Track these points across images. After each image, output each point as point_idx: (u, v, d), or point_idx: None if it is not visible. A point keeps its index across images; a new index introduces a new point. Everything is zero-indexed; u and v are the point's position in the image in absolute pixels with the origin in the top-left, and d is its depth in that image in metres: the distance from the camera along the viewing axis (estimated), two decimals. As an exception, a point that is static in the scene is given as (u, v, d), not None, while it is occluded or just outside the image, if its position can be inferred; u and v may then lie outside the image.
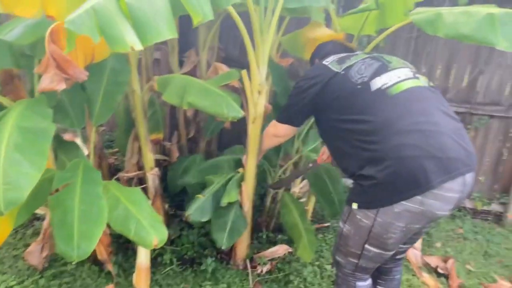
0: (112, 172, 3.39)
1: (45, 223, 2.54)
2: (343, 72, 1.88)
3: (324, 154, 2.53)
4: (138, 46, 1.15)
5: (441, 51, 3.73)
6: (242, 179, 2.65)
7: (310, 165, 2.62)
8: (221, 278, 2.74)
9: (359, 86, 1.80)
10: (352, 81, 1.83)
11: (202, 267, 2.77)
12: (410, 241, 1.99)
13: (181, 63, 3.56)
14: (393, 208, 1.68)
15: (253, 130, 2.44)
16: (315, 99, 1.96)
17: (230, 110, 2.28)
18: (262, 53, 2.27)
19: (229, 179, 2.65)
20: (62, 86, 1.57)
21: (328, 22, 2.69)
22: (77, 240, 1.81)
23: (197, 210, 2.49)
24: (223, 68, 2.72)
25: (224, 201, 2.49)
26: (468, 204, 3.99)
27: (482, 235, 3.70)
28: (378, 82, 1.79)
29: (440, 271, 3.10)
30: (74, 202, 1.89)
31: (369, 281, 2.04)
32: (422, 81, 1.86)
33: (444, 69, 3.77)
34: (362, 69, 1.87)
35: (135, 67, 2.52)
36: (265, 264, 2.88)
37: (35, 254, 2.56)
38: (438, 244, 3.50)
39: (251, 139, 2.47)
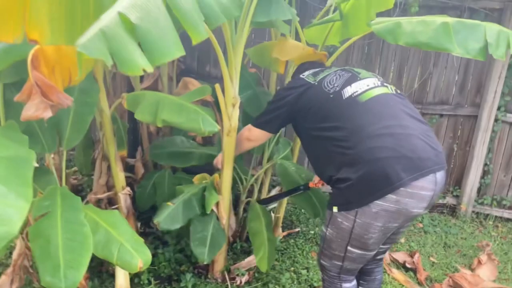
0: (75, 193, 3.26)
1: (15, 254, 2.40)
2: (317, 83, 2.05)
3: (318, 182, 2.61)
4: (149, 68, 1.14)
5: (393, 56, 3.93)
6: (214, 189, 2.65)
7: (301, 187, 2.66)
8: (202, 290, 2.73)
9: (331, 95, 1.95)
10: (325, 91, 1.99)
11: (182, 284, 2.74)
12: (390, 241, 2.09)
13: (140, 78, 3.50)
14: (371, 209, 1.77)
15: (228, 143, 2.46)
16: (292, 108, 2.11)
17: (206, 125, 2.28)
18: (235, 66, 2.30)
19: (201, 189, 2.64)
20: (48, 114, 1.51)
21: (292, 33, 2.76)
22: (64, 270, 1.73)
23: (167, 218, 2.45)
24: (194, 83, 2.72)
25: (208, 209, 2.50)
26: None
27: (440, 227, 3.93)
28: (349, 91, 1.93)
29: (407, 265, 3.26)
30: (57, 231, 1.81)
31: (354, 282, 2.11)
32: (390, 89, 2.01)
33: (397, 72, 3.97)
34: (334, 80, 2.03)
35: (102, 86, 2.45)
36: (243, 274, 2.89)
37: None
38: (402, 240, 3.67)
39: (226, 152, 2.49)
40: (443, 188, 1.90)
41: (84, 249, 1.81)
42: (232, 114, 2.39)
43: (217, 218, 2.65)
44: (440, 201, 4.21)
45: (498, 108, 3.87)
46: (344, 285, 2.07)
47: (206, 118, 2.31)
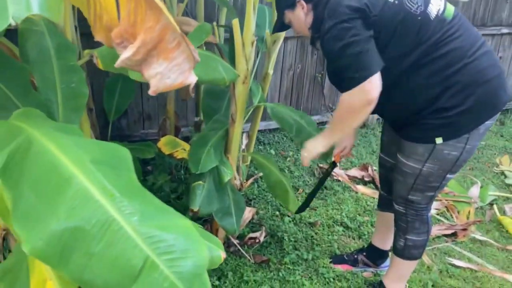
0: None
1: None
2: (398, 1, 1.65)
3: (342, 151, 2.21)
4: None
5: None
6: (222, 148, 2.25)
7: (329, 169, 2.26)
8: (224, 266, 2.38)
9: (419, 18, 1.65)
10: (410, 11, 1.65)
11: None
12: None
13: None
14: (479, 131, 1.74)
15: (242, 92, 2.07)
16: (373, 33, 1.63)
17: (228, 73, 1.86)
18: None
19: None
20: (194, 78, 0.95)
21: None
22: None
23: (203, 200, 2.04)
24: (191, 23, 2.12)
25: (226, 179, 2.11)
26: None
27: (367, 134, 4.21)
28: (433, 9, 1.68)
29: (366, 179, 3.45)
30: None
31: None
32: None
33: None
34: None
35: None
36: (247, 233, 2.63)
37: None
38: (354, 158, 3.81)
39: (239, 104, 2.10)
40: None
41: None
42: (250, 56, 1.99)
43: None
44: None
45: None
46: (429, 214, 2.01)
47: (225, 64, 1.88)
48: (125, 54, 0.96)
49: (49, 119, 1.19)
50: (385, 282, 2.17)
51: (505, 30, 4.66)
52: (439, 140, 1.75)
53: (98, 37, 1.18)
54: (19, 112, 1.17)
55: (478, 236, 2.80)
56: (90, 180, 0.95)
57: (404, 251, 2.04)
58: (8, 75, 1.38)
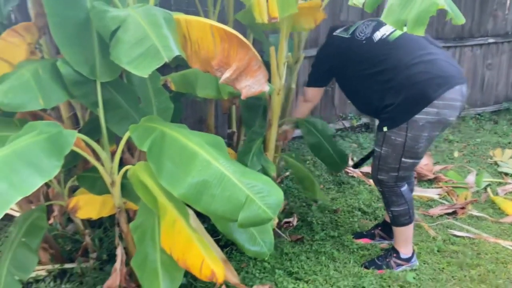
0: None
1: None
2: (350, 36, 2.49)
3: None
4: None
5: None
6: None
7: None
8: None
9: (364, 42, 2.42)
10: (358, 39, 2.44)
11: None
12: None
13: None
14: (418, 123, 2.30)
15: (277, 101, 2.67)
16: (334, 63, 2.56)
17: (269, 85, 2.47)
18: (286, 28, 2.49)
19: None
20: (267, 87, 1.57)
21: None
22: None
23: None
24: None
25: (271, 173, 2.68)
26: (347, 123, 5.02)
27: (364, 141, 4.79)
28: (378, 35, 2.42)
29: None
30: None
31: (406, 185, 2.66)
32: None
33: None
34: (363, 29, 2.50)
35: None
36: (283, 219, 3.18)
37: None
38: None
39: (275, 111, 2.70)
40: (466, 100, 2.55)
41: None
42: (282, 73, 2.60)
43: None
44: (359, 123, 5.08)
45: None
46: (402, 189, 2.59)
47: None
48: (226, 75, 1.57)
49: (165, 121, 1.81)
50: (395, 246, 2.73)
51: (491, 40, 5.27)
52: (385, 128, 2.38)
53: (194, 66, 1.79)
54: (146, 118, 1.78)
55: (475, 213, 3.34)
56: (209, 154, 1.56)
57: (395, 221, 2.63)
58: (125, 95, 2.01)
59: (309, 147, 3.10)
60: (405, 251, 2.69)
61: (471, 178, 3.84)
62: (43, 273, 2.53)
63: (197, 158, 1.54)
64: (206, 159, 1.54)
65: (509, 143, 4.72)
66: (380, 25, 2.47)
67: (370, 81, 2.42)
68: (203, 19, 1.75)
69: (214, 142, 1.66)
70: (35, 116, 2.13)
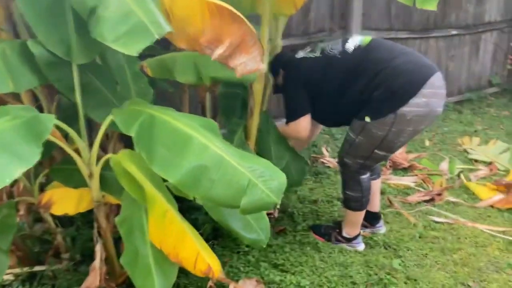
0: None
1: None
2: (321, 54, 2.44)
3: None
4: None
5: None
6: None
7: None
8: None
9: (339, 56, 2.39)
10: (332, 55, 2.40)
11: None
12: None
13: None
14: (406, 117, 2.26)
15: (258, 89, 2.58)
16: (307, 85, 2.46)
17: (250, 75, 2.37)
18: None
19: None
20: (263, 65, 1.47)
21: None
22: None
23: None
24: None
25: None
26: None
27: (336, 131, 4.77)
28: (350, 46, 2.40)
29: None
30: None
31: (368, 174, 2.63)
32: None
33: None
34: (332, 45, 2.47)
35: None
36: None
37: None
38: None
39: (257, 99, 2.60)
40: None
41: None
42: (265, 61, 2.50)
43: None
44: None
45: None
46: (362, 176, 2.56)
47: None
48: (219, 51, 1.46)
49: (151, 104, 1.67)
50: (342, 223, 2.78)
51: (454, 32, 5.39)
52: (367, 118, 2.31)
53: (180, 44, 1.67)
54: (130, 101, 1.64)
55: (451, 199, 3.38)
56: (204, 137, 1.45)
57: (346, 203, 2.67)
58: (103, 79, 1.85)
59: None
60: (348, 232, 2.75)
61: (444, 166, 3.89)
62: (10, 277, 2.34)
63: (192, 141, 1.42)
64: (202, 142, 1.42)
65: (475, 131, 4.84)
66: (346, 39, 2.47)
67: (354, 89, 2.35)
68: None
69: (207, 125, 1.54)
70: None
